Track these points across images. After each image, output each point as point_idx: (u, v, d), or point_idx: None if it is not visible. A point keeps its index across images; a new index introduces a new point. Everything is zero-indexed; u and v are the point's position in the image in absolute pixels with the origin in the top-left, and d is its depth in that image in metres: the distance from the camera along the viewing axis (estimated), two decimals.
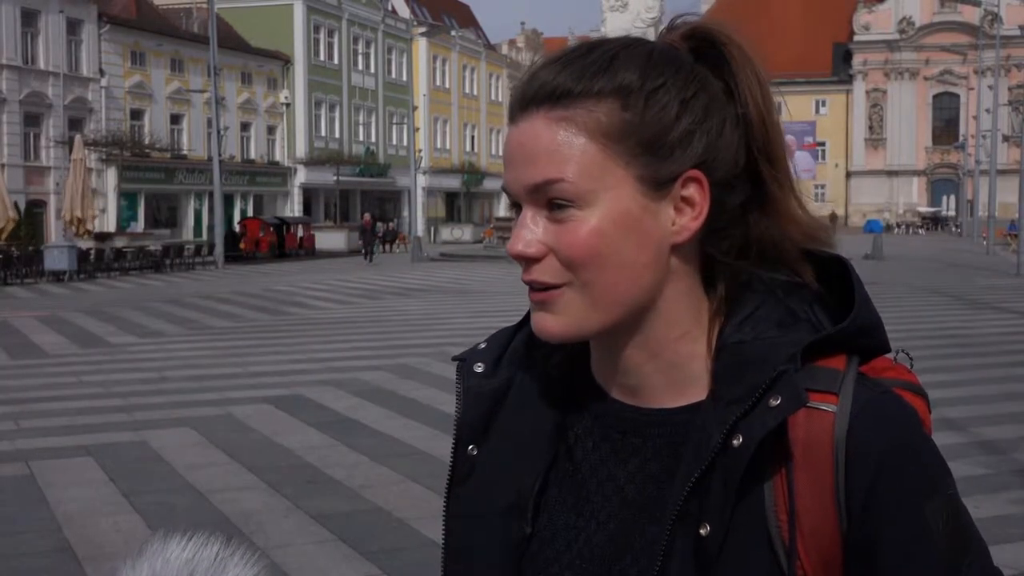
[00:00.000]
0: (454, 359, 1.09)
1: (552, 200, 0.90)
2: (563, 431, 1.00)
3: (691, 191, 0.91)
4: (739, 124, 0.93)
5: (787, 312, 0.94)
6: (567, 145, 0.89)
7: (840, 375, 0.91)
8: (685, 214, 0.92)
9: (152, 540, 0.98)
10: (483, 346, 1.08)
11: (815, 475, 0.88)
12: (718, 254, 0.95)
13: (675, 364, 0.95)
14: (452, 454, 1.05)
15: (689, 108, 0.91)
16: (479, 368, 1.05)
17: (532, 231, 0.91)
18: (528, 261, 0.92)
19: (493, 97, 77.94)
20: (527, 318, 1.06)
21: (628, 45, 0.93)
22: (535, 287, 0.92)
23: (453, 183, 70.87)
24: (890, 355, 0.97)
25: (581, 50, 0.92)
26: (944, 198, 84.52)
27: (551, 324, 0.93)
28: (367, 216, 43.33)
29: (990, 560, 0.91)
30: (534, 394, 1.01)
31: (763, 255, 0.95)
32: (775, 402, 0.88)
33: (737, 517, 0.89)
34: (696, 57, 0.94)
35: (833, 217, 53.82)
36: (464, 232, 62.00)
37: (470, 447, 1.03)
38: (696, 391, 0.94)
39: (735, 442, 0.88)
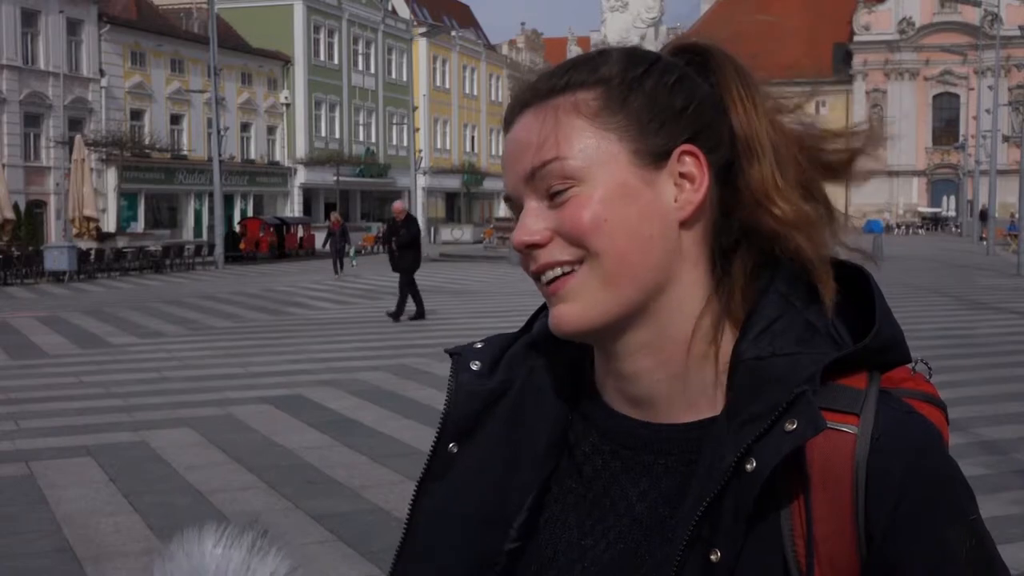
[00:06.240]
0: (448, 352, 1.05)
1: (551, 186, 0.91)
2: (565, 447, 0.97)
3: (688, 166, 0.92)
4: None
5: (806, 326, 0.90)
6: (559, 127, 0.91)
7: (861, 395, 0.87)
8: (686, 189, 0.92)
9: (185, 532, 0.97)
10: (480, 345, 1.04)
11: (833, 498, 0.85)
12: (729, 243, 0.94)
13: (685, 372, 0.92)
14: (432, 448, 1.01)
15: (673, 89, 0.93)
16: (475, 366, 1.01)
17: (535, 220, 0.92)
18: (534, 249, 0.92)
19: (493, 97, 77.91)
20: (528, 325, 1.04)
21: (612, 47, 0.97)
22: (547, 278, 0.92)
23: (453, 183, 70.86)
24: (909, 364, 0.94)
25: (570, 60, 0.96)
26: (944, 198, 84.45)
27: (567, 312, 0.91)
28: (335, 216, 34.72)
29: None
30: (531, 404, 0.98)
31: (782, 261, 0.92)
32: (791, 427, 0.84)
33: (750, 542, 0.85)
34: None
35: None
36: (464, 232, 61.97)
37: (451, 444, 1.00)
38: (707, 406, 0.91)
39: (748, 467, 0.84)
